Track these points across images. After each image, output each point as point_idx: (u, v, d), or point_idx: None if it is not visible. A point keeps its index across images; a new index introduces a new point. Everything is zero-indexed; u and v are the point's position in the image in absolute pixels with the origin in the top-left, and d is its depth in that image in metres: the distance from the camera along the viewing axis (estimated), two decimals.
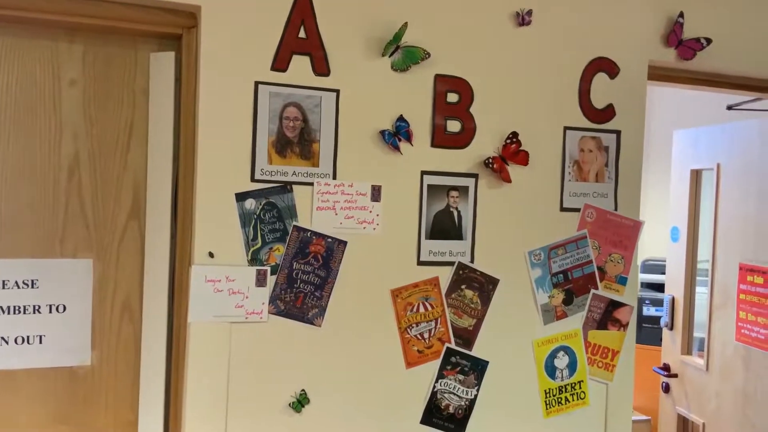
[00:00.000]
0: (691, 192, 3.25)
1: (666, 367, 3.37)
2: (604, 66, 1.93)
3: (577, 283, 1.95)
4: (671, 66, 2.03)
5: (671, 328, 3.35)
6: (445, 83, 1.80)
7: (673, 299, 3.34)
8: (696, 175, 3.23)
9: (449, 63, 1.80)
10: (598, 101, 1.94)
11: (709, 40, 1.99)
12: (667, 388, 3.39)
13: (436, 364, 1.82)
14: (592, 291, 1.96)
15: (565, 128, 1.92)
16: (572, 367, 1.95)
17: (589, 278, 1.95)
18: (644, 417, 4.58)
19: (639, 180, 1.99)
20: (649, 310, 4.74)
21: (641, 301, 4.84)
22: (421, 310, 1.80)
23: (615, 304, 1.98)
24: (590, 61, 1.92)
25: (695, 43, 1.98)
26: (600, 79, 1.94)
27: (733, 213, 2.97)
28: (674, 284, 3.35)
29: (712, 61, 2.05)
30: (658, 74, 2.03)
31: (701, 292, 3.23)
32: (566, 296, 1.94)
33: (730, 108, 2.81)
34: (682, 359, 3.28)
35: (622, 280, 1.99)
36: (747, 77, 2.17)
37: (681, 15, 1.96)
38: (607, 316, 1.98)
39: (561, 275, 1.93)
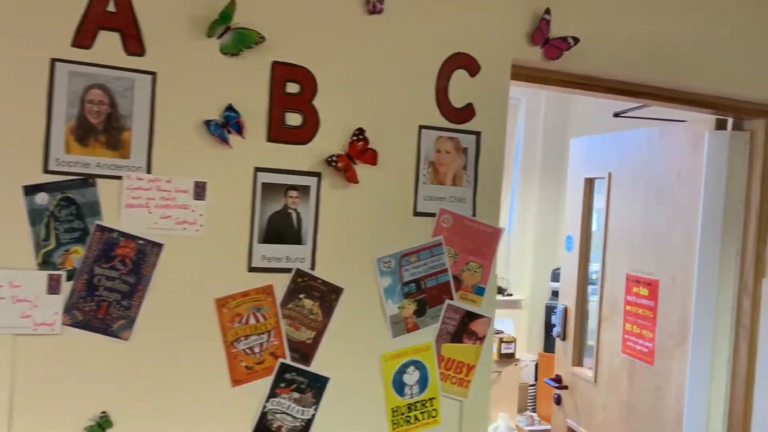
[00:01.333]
0: (585, 201, 3.20)
1: (558, 379, 3.30)
2: (464, 63, 1.81)
3: (430, 293, 1.81)
4: (537, 66, 1.92)
5: (564, 339, 3.29)
6: (284, 72, 1.63)
7: (565, 309, 3.27)
8: (589, 184, 3.18)
9: (289, 50, 1.64)
10: (457, 100, 1.81)
11: (576, 40, 1.89)
12: (558, 400, 3.32)
13: (267, 381, 1.65)
14: (447, 302, 1.83)
15: (421, 127, 1.78)
16: (423, 383, 1.81)
17: (444, 288, 1.82)
18: (546, 426, 4.54)
19: (499, 184, 1.87)
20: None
21: (550, 310, 4.82)
22: (252, 321, 1.63)
23: (471, 316, 1.86)
24: (449, 56, 1.79)
25: (562, 42, 1.88)
26: (459, 76, 1.81)
27: (622, 222, 2.93)
28: (567, 294, 3.29)
29: (581, 62, 1.96)
30: (524, 74, 1.92)
31: (596, 302, 3.18)
32: (418, 307, 1.80)
33: (616, 115, 2.76)
34: (573, 370, 3.21)
35: (480, 291, 1.86)
36: (619, 81, 2.09)
37: (547, 12, 1.86)
38: (463, 328, 1.85)
39: (413, 284, 1.79)
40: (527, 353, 5.06)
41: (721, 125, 2.50)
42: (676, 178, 2.61)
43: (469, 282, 1.85)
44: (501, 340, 4.57)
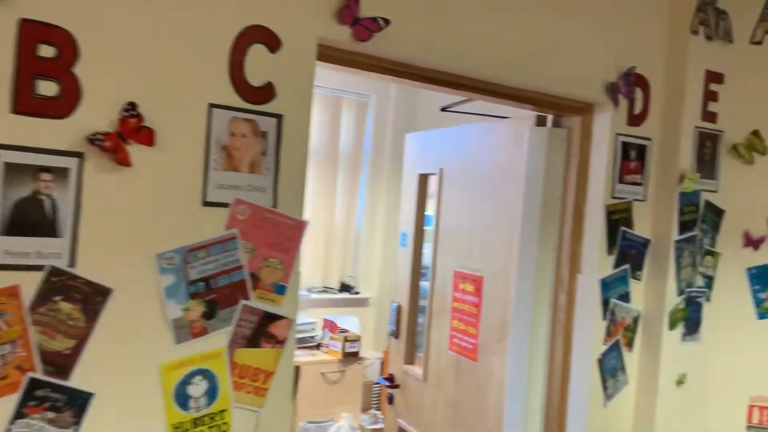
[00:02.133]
0: (419, 197, 3.15)
1: (390, 378, 3.23)
2: (262, 36, 1.63)
3: (222, 293, 1.62)
4: (346, 47, 1.79)
5: (397, 337, 3.23)
6: (35, 31, 1.37)
7: (399, 307, 3.21)
8: (423, 180, 3.14)
9: (42, 6, 1.37)
10: (255, 78, 1.63)
11: (387, 21, 1.78)
12: (391, 399, 3.26)
13: (12, 399, 1.37)
14: (242, 302, 1.64)
15: (211, 105, 1.58)
16: (212, 394, 1.62)
17: (239, 286, 1.64)
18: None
19: (304, 173, 1.72)
20: None
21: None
22: None
23: (271, 317, 1.69)
24: (245, 28, 1.61)
25: (372, 22, 1.76)
26: (258, 51, 1.63)
27: (452, 219, 2.90)
28: (401, 291, 3.23)
29: (394, 47, 1.85)
30: (332, 55, 1.78)
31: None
32: (207, 308, 1.60)
33: (443, 109, 2.72)
34: (404, 369, 3.16)
35: (281, 289, 1.70)
36: (436, 70, 2.01)
37: None
38: (261, 331, 1.68)
39: (201, 283, 1.59)
40: (373, 351, 5.00)
41: (541, 122, 2.53)
42: (500, 174, 2.62)
43: (269, 280, 1.68)
44: (345, 339, 4.46)
